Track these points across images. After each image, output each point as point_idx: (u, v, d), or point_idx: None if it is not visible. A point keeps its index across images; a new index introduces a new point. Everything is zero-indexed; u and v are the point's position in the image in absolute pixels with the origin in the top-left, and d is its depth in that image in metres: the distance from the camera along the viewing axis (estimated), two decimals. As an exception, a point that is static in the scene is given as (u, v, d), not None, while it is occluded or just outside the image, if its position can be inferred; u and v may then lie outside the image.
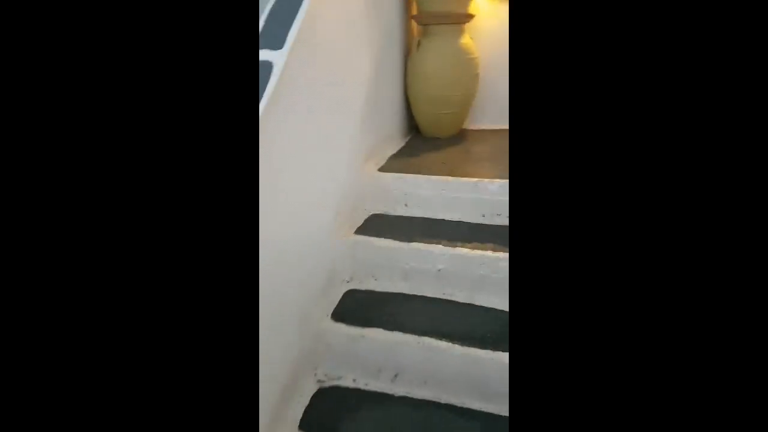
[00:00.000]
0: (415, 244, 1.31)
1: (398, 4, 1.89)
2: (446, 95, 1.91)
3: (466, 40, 1.92)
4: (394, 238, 1.34)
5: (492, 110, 2.15)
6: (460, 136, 2.06)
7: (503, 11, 2.04)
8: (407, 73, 1.98)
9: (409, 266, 1.31)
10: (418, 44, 1.92)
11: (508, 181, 1.40)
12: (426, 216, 1.48)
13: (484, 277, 1.25)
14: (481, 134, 2.09)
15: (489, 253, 1.24)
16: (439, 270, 1.29)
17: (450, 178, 1.45)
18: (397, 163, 1.64)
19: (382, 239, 1.34)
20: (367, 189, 1.53)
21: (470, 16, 1.90)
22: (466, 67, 1.91)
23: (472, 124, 2.21)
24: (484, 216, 1.43)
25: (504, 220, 1.41)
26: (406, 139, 2.04)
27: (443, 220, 1.45)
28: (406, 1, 1.99)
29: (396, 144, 1.93)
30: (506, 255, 1.23)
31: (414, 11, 2.07)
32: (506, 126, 2.23)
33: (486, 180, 1.42)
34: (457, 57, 1.88)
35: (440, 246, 1.29)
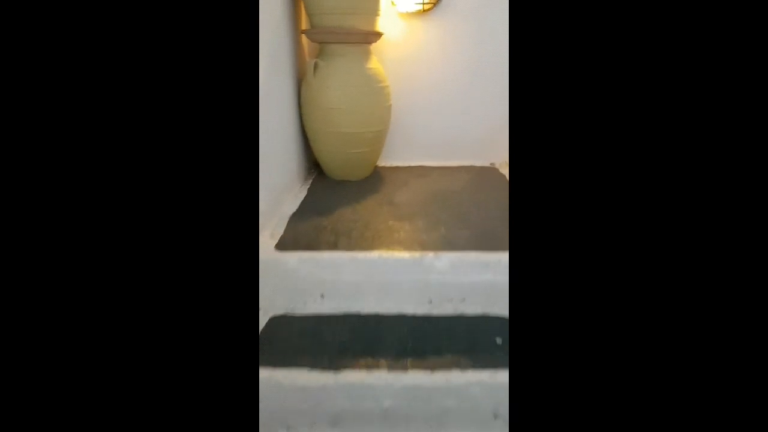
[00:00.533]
0: (345, 374, 0.86)
1: (285, 17, 1.44)
2: (357, 132, 1.51)
3: (374, 64, 1.56)
4: (313, 366, 0.88)
5: (403, 145, 1.92)
6: (374, 179, 1.69)
7: (418, 29, 1.74)
8: (303, 101, 1.54)
9: (340, 408, 0.86)
10: (315, 66, 1.49)
11: (457, 253, 1.07)
12: (352, 311, 1.04)
13: (448, 411, 0.87)
14: (397, 174, 1.75)
15: (454, 374, 0.86)
16: (386, 409, 0.86)
17: (384, 254, 1.04)
18: (302, 230, 1.17)
19: (294, 370, 0.87)
20: (262, 279, 1.04)
21: (377, 35, 1.55)
22: (378, 98, 1.54)
23: (383, 161, 1.90)
24: (431, 303, 1.05)
25: (458, 306, 1.05)
26: (308, 185, 1.59)
27: (378, 315, 1.04)
28: (295, 13, 1.56)
29: (295, 196, 1.47)
30: (476, 375, 0.87)
31: (304, 25, 1.65)
32: (420, 163, 1.94)
33: (431, 254, 1.04)
34: (367, 85, 1.51)
35: (383, 373, 0.86)
